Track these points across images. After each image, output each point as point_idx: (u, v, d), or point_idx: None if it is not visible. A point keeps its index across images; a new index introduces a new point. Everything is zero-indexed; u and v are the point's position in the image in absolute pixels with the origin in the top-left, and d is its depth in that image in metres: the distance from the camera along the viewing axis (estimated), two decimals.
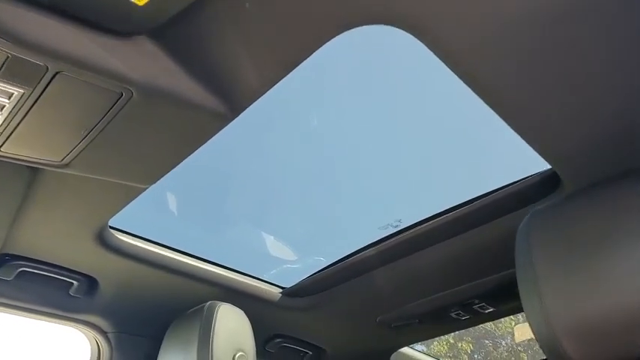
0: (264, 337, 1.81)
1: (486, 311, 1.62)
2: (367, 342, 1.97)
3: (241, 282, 1.62)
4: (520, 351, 12.40)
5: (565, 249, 0.85)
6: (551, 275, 0.84)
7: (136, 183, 1.10)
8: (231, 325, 1.42)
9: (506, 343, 12.40)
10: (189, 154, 1.04)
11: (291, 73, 0.91)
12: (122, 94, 0.82)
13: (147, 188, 1.13)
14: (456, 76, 0.88)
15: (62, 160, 0.96)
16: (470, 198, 1.39)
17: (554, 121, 0.96)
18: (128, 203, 1.18)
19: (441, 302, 1.62)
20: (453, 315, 1.67)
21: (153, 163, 1.05)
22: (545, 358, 0.90)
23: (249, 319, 1.49)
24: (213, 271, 1.57)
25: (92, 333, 1.55)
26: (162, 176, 1.10)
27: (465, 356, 11.97)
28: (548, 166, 1.14)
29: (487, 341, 12.37)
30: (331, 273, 1.61)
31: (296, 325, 1.82)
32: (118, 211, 1.21)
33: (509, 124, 0.97)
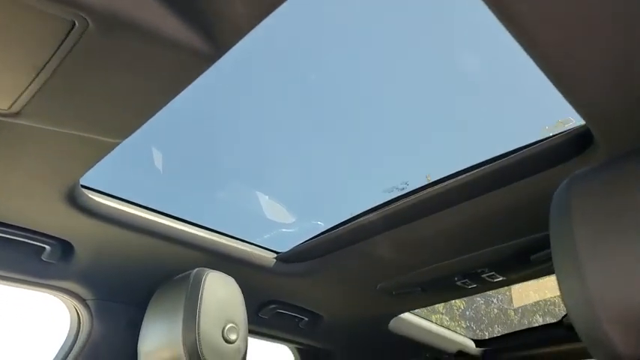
0: (257, 304, 1.70)
1: (495, 280, 1.52)
2: (366, 308, 1.87)
3: (232, 247, 1.50)
4: (508, 309, 12.63)
5: (612, 223, 0.71)
6: (594, 253, 0.71)
7: (106, 136, 0.95)
8: (221, 295, 1.30)
9: (497, 301, 12.62)
10: (167, 102, 0.88)
11: (287, 7, 0.74)
12: (74, 24, 0.66)
13: (119, 142, 0.97)
14: (486, 11, 0.72)
15: (10, 107, 0.80)
16: (485, 159, 1.25)
17: (594, 68, 0.81)
18: (100, 159, 1.03)
19: (447, 271, 1.51)
20: (458, 283, 1.56)
21: (124, 112, 0.89)
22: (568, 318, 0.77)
23: (241, 286, 1.38)
24: (202, 236, 1.44)
25: (71, 300, 1.43)
26: (136, 128, 0.94)
27: (457, 312, 12.21)
28: (582, 122, 1.00)
29: (479, 298, 12.58)
30: (330, 238, 1.49)
31: (291, 292, 1.71)
32: (88, 169, 1.05)
33: (542, 69, 0.82)
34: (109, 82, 0.81)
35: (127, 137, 0.97)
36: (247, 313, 1.70)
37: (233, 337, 1.26)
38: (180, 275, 1.35)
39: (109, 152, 1.00)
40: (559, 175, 0.93)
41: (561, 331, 2.25)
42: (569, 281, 0.74)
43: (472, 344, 2.46)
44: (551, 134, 1.14)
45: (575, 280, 0.72)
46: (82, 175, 1.08)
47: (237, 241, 1.54)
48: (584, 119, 0.95)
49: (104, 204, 1.22)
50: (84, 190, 1.17)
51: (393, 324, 2.03)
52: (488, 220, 1.28)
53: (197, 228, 1.44)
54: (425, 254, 1.46)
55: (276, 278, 1.61)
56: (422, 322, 2.19)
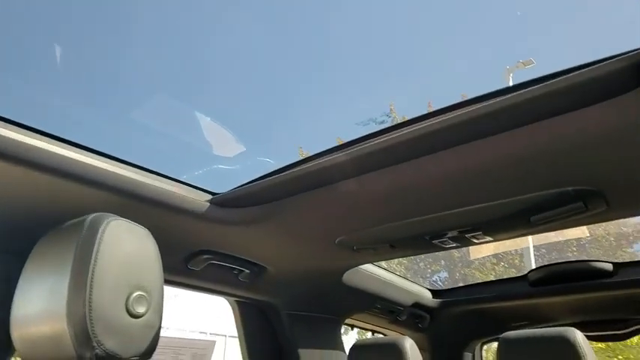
0: (185, 254, 1.38)
1: (479, 240, 1.26)
2: (320, 261, 1.60)
3: (152, 186, 1.14)
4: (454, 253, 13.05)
5: None
6: None
7: None
8: (127, 251, 0.95)
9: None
10: None
11: None
12: None
13: None
14: None
15: None
16: (496, 89, 0.93)
17: None
18: None
19: (424, 227, 1.23)
20: (435, 242, 1.29)
21: None
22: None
23: (164, 233, 1.08)
24: (110, 170, 1.07)
25: None
26: None
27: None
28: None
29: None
30: (281, 181, 1.16)
31: (229, 241, 1.39)
32: None
33: None
34: None
35: None
36: (174, 263, 1.38)
37: (141, 309, 0.93)
38: (71, 221, 0.98)
39: None
40: (588, 116, 0.78)
41: (525, 285, 2.10)
42: None
43: (429, 295, 2.28)
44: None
45: None
46: None
47: (159, 177, 1.18)
48: None
49: None
50: None
51: (347, 276, 1.78)
52: (487, 172, 0.99)
53: (103, 159, 1.07)
54: (400, 207, 1.16)
55: (210, 225, 1.27)
56: (378, 272, 1.95)
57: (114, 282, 0.91)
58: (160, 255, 1.01)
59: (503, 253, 11.50)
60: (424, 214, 1.17)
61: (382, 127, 1.01)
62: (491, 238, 1.24)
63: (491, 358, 6.38)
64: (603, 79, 0.77)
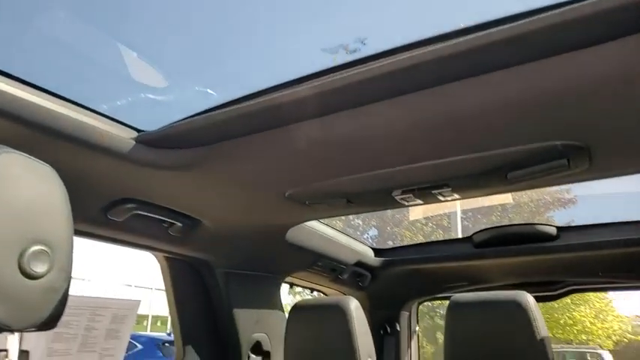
0: (104, 202, 1.17)
1: (445, 198, 1.14)
2: (264, 216, 1.43)
3: (61, 116, 0.92)
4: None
5: None
6: None
7: None
8: (22, 193, 0.74)
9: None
10: None
11: None
12: None
13: None
14: None
15: None
16: (488, 19, 0.79)
17: None
18: None
19: (388, 181, 1.10)
20: (397, 197, 1.16)
21: None
22: None
23: (77, 176, 0.91)
24: (6, 92, 0.84)
25: None
26: None
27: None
28: None
29: None
30: (223, 118, 0.97)
31: (158, 189, 1.19)
32: None
33: None
34: None
35: None
36: (90, 211, 1.17)
37: (41, 267, 0.73)
38: None
39: None
40: (583, 60, 0.70)
41: (469, 246, 2.07)
42: None
43: (371, 254, 2.20)
44: None
45: None
46: None
47: (74, 107, 0.95)
48: None
49: None
50: None
51: (291, 232, 1.63)
52: (464, 120, 0.86)
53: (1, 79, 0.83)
54: (363, 157, 1.01)
55: (134, 168, 1.07)
56: (323, 228, 1.83)
57: (1, 233, 0.70)
58: (68, 201, 0.79)
59: (431, 214, 11.92)
60: (389, 167, 1.03)
61: (353, 58, 0.83)
62: (458, 196, 1.14)
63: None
64: (605, 16, 0.65)
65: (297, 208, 1.30)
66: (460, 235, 9.13)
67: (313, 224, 1.75)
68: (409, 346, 2.61)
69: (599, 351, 12.93)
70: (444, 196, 1.12)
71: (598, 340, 15.17)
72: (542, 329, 1.27)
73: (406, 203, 1.19)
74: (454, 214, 11.27)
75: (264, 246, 1.67)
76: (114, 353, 1.50)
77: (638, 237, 1.74)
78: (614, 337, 16.59)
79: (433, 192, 1.10)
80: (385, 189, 1.13)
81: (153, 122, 1.07)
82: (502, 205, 12.00)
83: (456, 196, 1.13)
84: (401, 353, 2.56)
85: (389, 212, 13.73)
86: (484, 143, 0.92)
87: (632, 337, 17.93)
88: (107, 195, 1.15)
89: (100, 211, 1.18)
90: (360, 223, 13.51)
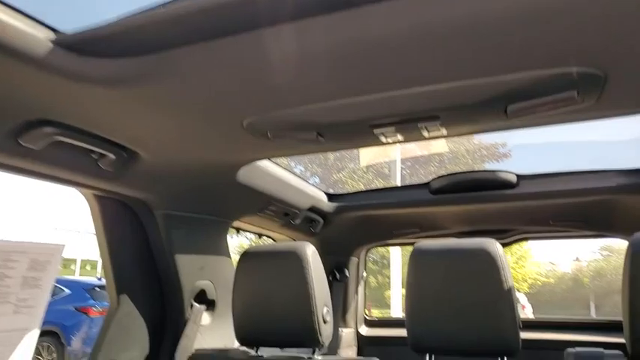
0: (13, 123, 0.93)
1: (431, 134, 1.00)
2: (216, 150, 1.24)
3: None
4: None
5: None
6: None
7: None
8: None
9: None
10: None
11: None
12: None
13: None
14: None
15: None
16: None
17: None
18: None
19: (367, 111, 0.93)
20: (377, 131, 1.01)
21: None
22: None
23: None
24: None
25: None
26: None
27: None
28: None
29: None
30: (168, 18, 0.75)
31: (84, 109, 0.96)
32: None
33: None
34: None
35: None
36: None
37: None
38: None
39: None
40: None
41: (426, 193, 1.99)
42: None
43: (325, 198, 2.08)
44: None
45: None
46: None
47: None
48: None
49: None
50: None
51: (243, 171, 1.46)
52: (465, 34, 0.71)
53: None
54: (340, 77, 0.84)
55: (53, 80, 0.83)
56: (276, 170, 1.66)
57: None
58: None
59: (374, 162, 12.08)
60: (369, 92, 0.87)
61: None
62: (447, 132, 1.00)
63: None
64: None
65: (256, 141, 1.12)
66: (399, 184, 9.30)
67: (267, 164, 1.58)
68: (356, 292, 2.57)
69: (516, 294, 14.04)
70: (429, 131, 0.98)
71: (515, 284, 16.51)
72: (510, 278, 1.21)
73: (385, 139, 1.04)
74: (394, 163, 11.45)
75: (213, 186, 1.48)
76: (33, 304, 1.29)
77: (594, 186, 1.72)
78: (529, 281, 18.10)
79: (419, 125, 0.96)
80: (362, 120, 0.97)
81: (76, 22, 0.83)
82: (439, 155, 12.34)
83: (444, 131, 1.00)
84: (348, 299, 2.51)
85: (331, 159, 13.73)
86: (485, 65, 0.78)
87: (545, 279, 19.66)
88: (17, 114, 0.91)
89: (9, 135, 0.94)
90: (303, 169, 13.46)
